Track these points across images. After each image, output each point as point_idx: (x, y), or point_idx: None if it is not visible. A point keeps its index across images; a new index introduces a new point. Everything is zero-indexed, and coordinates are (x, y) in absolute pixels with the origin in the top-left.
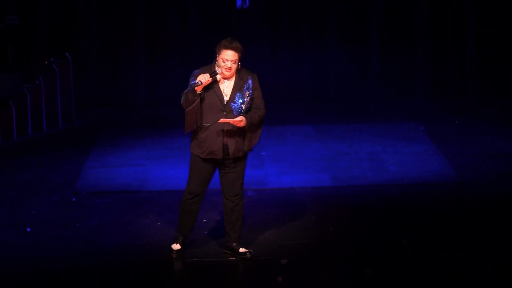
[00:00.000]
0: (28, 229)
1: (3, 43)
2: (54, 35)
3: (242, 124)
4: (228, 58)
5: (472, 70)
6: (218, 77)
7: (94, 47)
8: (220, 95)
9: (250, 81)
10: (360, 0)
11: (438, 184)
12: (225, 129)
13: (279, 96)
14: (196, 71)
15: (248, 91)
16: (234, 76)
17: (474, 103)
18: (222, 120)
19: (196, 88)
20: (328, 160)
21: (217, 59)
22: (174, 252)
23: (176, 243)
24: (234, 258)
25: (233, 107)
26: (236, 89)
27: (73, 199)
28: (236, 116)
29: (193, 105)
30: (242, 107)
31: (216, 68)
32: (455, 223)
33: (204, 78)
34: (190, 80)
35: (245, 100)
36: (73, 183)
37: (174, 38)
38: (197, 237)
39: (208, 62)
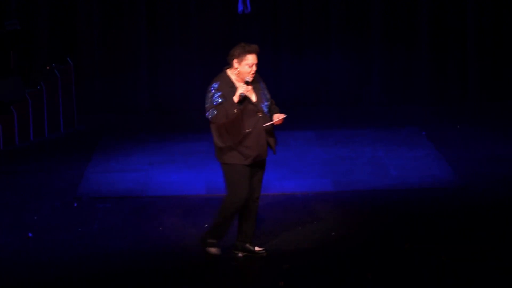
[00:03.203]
0: (30, 234)
1: (4, 48)
2: (55, 40)
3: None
4: (252, 62)
5: (473, 74)
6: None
7: (95, 52)
8: (249, 99)
9: (261, 82)
10: (361, 5)
11: (440, 189)
12: (264, 130)
13: (281, 100)
14: (215, 84)
15: (265, 90)
16: None
17: (475, 107)
18: (266, 125)
19: (237, 99)
20: (329, 165)
21: (233, 66)
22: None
23: (215, 247)
24: (241, 255)
25: (263, 107)
26: (259, 90)
27: (75, 204)
28: (267, 116)
29: (234, 117)
30: (268, 105)
31: (238, 77)
32: (457, 227)
33: (244, 88)
34: (212, 94)
35: (268, 98)
36: (74, 188)
37: (176, 44)
38: (199, 243)
39: (209, 66)
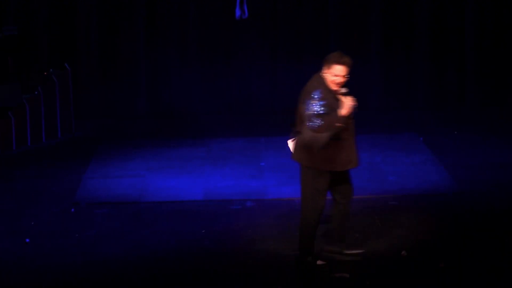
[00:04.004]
0: (27, 240)
1: (2, 54)
2: (53, 45)
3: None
4: (338, 73)
5: (472, 80)
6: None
7: (93, 57)
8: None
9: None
10: (359, 11)
11: (438, 195)
12: (353, 139)
13: (279, 106)
14: (317, 92)
15: None
16: None
17: (473, 113)
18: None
19: (346, 113)
20: None
21: (325, 71)
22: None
23: (320, 260)
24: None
25: (353, 115)
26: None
27: (73, 210)
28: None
29: (337, 130)
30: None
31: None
32: (454, 234)
33: (352, 102)
34: (315, 101)
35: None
36: (72, 193)
37: (174, 49)
38: (196, 248)
39: (207, 72)
